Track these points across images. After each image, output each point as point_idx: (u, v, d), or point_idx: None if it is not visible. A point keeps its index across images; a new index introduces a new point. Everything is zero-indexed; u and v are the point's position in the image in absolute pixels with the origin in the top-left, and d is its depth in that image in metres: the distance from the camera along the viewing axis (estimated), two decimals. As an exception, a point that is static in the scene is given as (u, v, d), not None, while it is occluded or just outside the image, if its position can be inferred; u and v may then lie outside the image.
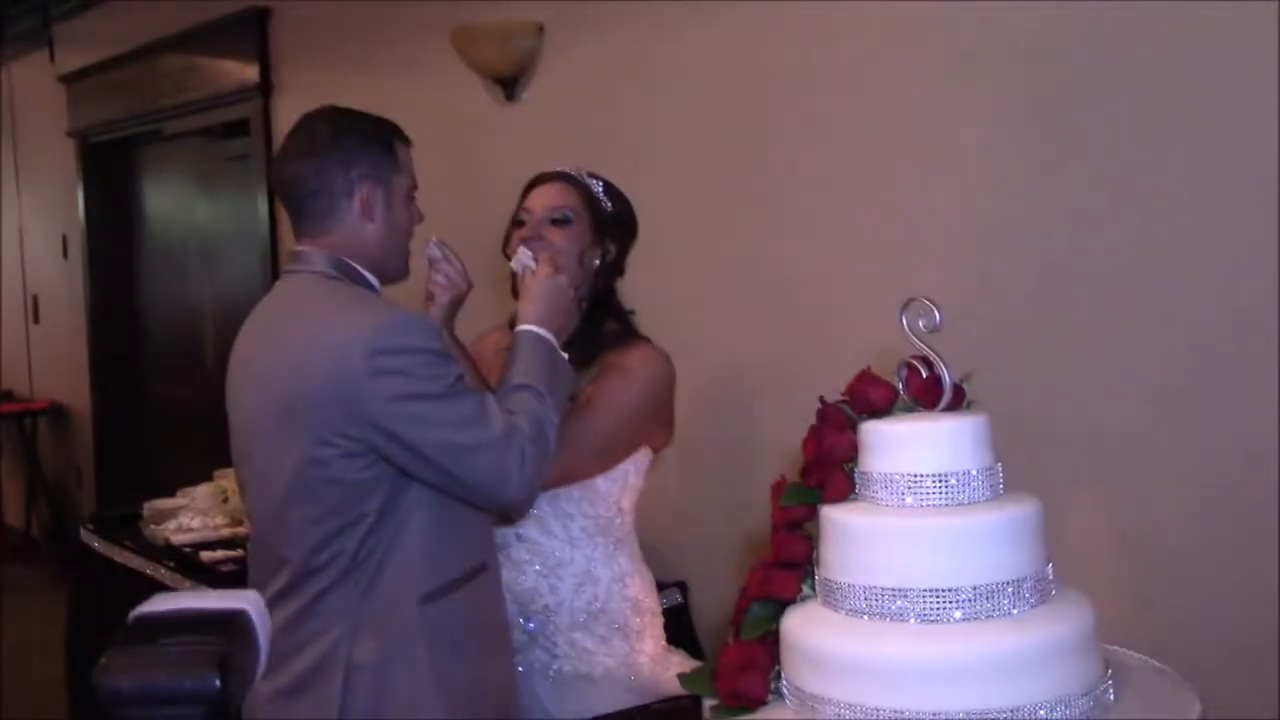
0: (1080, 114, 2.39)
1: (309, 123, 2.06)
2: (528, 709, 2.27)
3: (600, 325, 2.34)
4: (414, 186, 2.10)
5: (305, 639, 1.95)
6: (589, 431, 2.21)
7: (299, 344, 1.92)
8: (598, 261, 2.32)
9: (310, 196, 2.00)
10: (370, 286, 2.03)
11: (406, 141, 2.10)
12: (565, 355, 2.12)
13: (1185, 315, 2.28)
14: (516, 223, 2.34)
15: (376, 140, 2.04)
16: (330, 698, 1.92)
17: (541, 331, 2.07)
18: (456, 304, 2.26)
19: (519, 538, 2.29)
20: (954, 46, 2.59)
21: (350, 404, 1.84)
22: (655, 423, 2.33)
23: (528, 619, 2.29)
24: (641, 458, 2.34)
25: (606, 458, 2.27)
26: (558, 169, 2.37)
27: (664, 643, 2.40)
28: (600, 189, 2.35)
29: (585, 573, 2.30)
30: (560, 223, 2.29)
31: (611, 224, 2.35)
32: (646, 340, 2.37)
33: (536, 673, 2.29)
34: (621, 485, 2.31)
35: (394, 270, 2.09)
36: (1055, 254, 2.46)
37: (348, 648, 1.92)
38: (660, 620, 2.42)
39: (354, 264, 2.01)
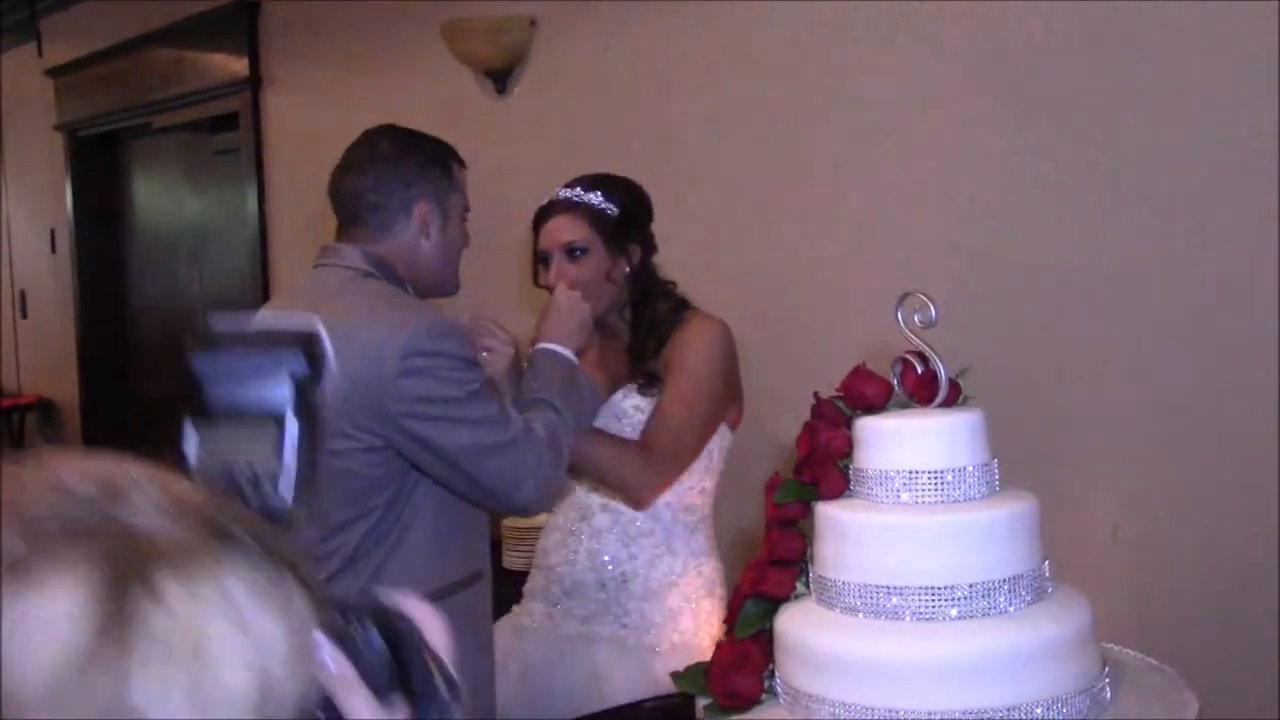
0: (1079, 110, 2.38)
1: (371, 138, 2.09)
2: (580, 678, 2.31)
3: (654, 311, 2.38)
4: (467, 208, 2.14)
5: None
6: (683, 426, 2.28)
7: (333, 334, 1.91)
8: (627, 269, 2.36)
9: (369, 210, 2.03)
10: (404, 286, 2.05)
11: (462, 164, 2.15)
12: (587, 373, 2.16)
13: (1181, 310, 2.27)
14: (541, 261, 2.38)
15: (436, 161, 2.08)
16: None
17: (559, 348, 2.11)
18: (515, 365, 2.27)
19: (604, 507, 2.36)
20: (952, 43, 2.58)
21: (377, 400, 1.86)
22: (729, 391, 2.37)
23: (602, 586, 2.35)
24: (723, 437, 2.38)
25: (703, 437, 2.33)
26: (561, 195, 2.37)
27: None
28: (601, 199, 2.35)
29: (664, 545, 2.36)
30: (577, 255, 2.32)
31: (626, 229, 2.37)
32: (698, 312, 2.40)
33: (603, 640, 2.34)
34: (706, 464, 2.36)
35: (443, 288, 2.14)
36: (1050, 250, 2.45)
37: None
38: (722, 613, 2.44)
39: (391, 267, 2.03)
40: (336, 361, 1.93)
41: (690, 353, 2.32)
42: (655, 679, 2.28)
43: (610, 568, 2.35)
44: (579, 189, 2.37)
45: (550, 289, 2.32)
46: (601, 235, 2.33)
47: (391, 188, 2.03)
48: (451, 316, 1.98)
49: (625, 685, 2.27)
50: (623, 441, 2.31)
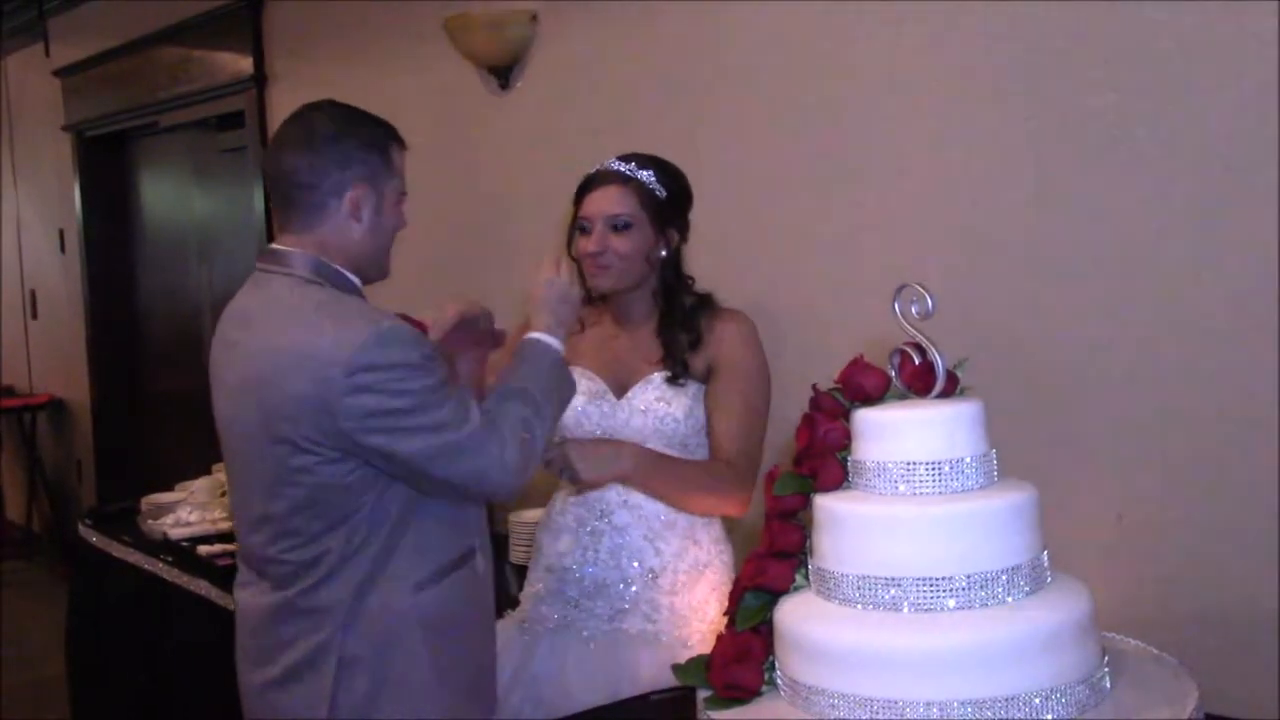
0: (1078, 103, 2.37)
1: (308, 115, 2.02)
2: (609, 677, 2.29)
3: (681, 304, 2.39)
4: (403, 192, 2.07)
5: (297, 632, 1.94)
6: (754, 426, 2.33)
7: (280, 352, 1.89)
8: (663, 253, 2.37)
9: (301, 189, 1.97)
10: (352, 286, 2.00)
11: (402, 145, 2.07)
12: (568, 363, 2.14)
13: (1185, 298, 2.27)
14: (580, 229, 2.36)
15: (374, 143, 2.01)
16: (321, 689, 1.91)
17: (548, 339, 2.08)
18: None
19: (624, 503, 2.35)
20: (955, 36, 2.57)
21: (329, 418, 1.83)
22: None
23: (629, 583, 2.34)
24: None
25: (766, 428, 2.38)
26: (613, 166, 2.37)
27: None
28: (653, 178, 2.36)
29: (688, 535, 2.37)
30: (621, 229, 2.32)
31: (670, 212, 2.37)
32: (723, 307, 2.42)
33: (632, 638, 2.33)
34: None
35: (373, 273, 2.07)
36: (1051, 238, 2.45)
37: (341, 640, 1.92)
38: None
39: (334, 265, 1.98)
40: (287, 380, 1.90)
41: (738, 353, 2.35)
42: None
43: (637, 564, 2.34)
44: (633, 164, 2.37)
45: (587, 259, 2.32)
46: (648, 213, 2.34)
47: (325, 170, 1.96)
48: (392, 317, 1.92)
49: (657, 681, 2.24)
50: (704, 463, 2.34)
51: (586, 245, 2.33)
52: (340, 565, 1.91)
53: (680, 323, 2.37)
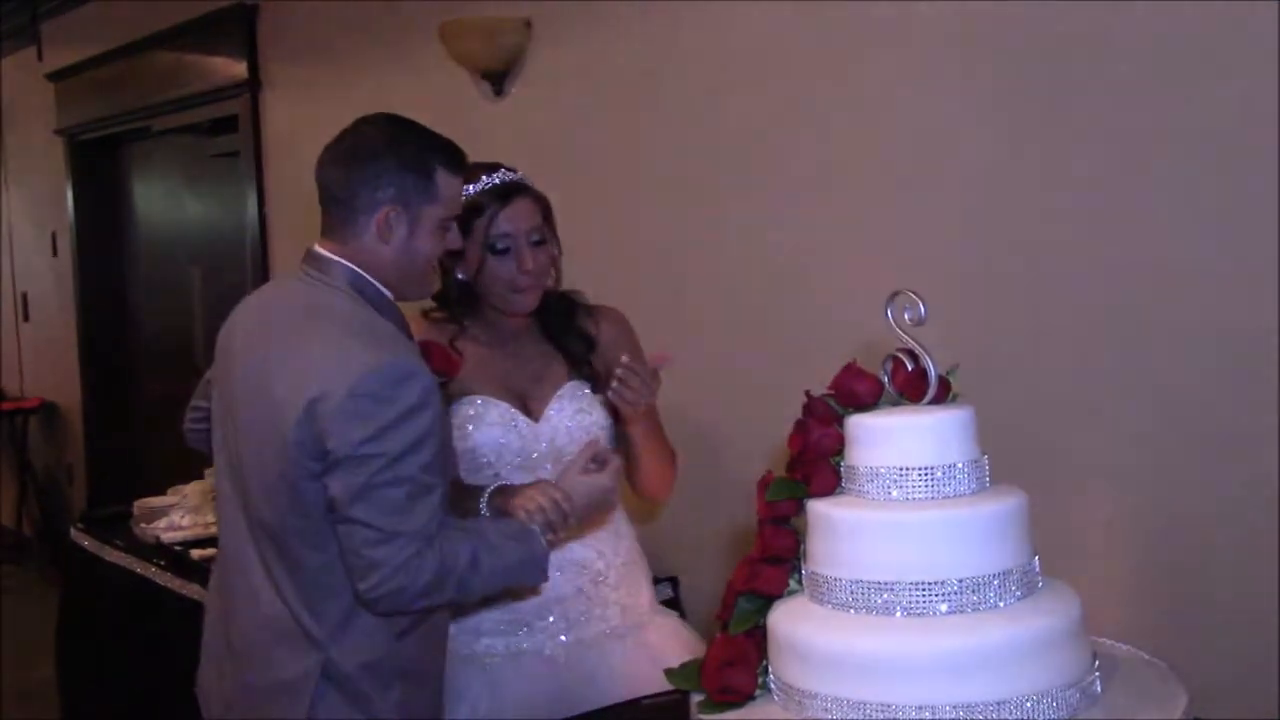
0: (1075, 110, 2.39)
1: (361, 128, 1.97)
2: (585, 689, 2.26)
3: (562, 309, 2.32)
4: (449, 218, 1.99)
5: (285, 652, 1.92)
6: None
7: (303, 358, 1.86)
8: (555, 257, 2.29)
9: (334, 203, 1.95)
10: (387, 302, 1.96)
11: (455, 169, 1.98)
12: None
13: (1175, 305, 2.28)
14: (493, 248, 2.19)
15: (418, 166, 1.93)
16: (300, 709, 1.90)
17: (542, 545, 1.98)
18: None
19: None
20: (948, 43, 2.58)
21: (319, 432, 1.80)
22: None
23: (581, 592, 2.30)
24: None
25: None
26: (516, 177, 2.24)
27: None
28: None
29: (615, 531, 2.35)
30: (538, 244, 2.22)
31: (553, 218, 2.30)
32: (597, 306, 2.37)
33: (592, 644, 2.30)
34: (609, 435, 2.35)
35: (408, 293, 2.02)
36: (1042, 246, 2.46)
37: (325, 671, 1.90)
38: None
39: (371, 280, 1.94)
40: (300, 387, 1.88)
41: (632, 348, 2.26)
42: (653, 653, 2.28)
43: (584, 572, 2.29)
44: (519, 174, 2.25)
45: (516, 279, 2.19)
46: (549, 223, 2.26)
47: (356, 188, 1.92)
48: (417, 353, 1.88)
49: (630, 670, 2.27)
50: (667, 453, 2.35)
51: (519, 265, 2.19)
52: (329, 592, 1.89)
53: (566, 327, 2.31)
